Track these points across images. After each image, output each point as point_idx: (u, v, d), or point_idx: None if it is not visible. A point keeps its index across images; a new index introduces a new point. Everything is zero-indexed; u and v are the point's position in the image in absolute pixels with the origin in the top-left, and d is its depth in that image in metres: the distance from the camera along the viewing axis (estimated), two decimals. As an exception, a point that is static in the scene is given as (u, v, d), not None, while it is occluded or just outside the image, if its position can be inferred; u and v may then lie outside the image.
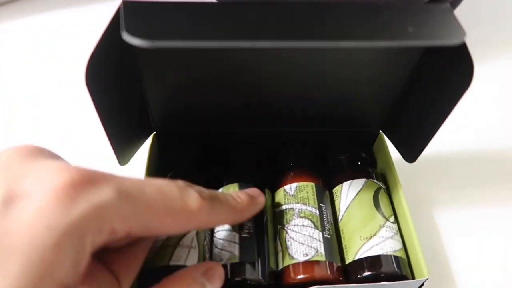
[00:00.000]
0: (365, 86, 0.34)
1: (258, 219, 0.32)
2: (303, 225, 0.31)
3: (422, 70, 0.31)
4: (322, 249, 0.30)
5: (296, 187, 0.33)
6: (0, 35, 0.56)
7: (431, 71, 0.31)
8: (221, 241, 0.30)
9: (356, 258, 0.30)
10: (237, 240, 0.30)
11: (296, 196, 0.33)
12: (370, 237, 0.30)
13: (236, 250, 0.29)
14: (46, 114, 0.47)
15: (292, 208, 0.32)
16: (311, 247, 0.30)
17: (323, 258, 0.29)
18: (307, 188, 0.33)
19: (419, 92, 0.32)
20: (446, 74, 0.29)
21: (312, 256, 0.29)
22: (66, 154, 0.45)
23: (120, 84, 0.30)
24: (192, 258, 0.29)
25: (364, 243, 0.30)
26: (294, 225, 0.31)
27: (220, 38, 0.22)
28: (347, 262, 0.31)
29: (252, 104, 0.35)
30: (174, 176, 0.33)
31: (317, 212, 0.32)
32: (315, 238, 0.30)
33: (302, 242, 0.30)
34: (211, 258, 0.30)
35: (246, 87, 0.33)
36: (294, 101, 0.35)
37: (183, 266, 0.28)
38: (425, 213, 0.39)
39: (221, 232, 0.31)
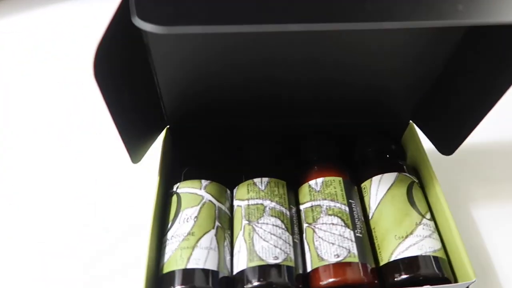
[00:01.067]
0: (396, 72, 0.31)
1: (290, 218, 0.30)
2: (332, 223, 0.28)
3: (463, 55, 0.28)
4: (354, 249, 0.27)
5: (322, 182, 0.31)
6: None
7: (474, 56, 0.28)
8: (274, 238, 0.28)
9: (392, 259, 0.27)
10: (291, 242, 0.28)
11: (322, 191, 0.30)
12: (406, 236, 0.28)
13: (291, 252, 0.27)
14: (51, 114, 0.45)
15: (319, 205, 0.29)
16: (343, 247, 0.27)
17: (356, 259, 0.26)
18: (334, 183, 0.30)
19: (459, 79, 0.29)
20: (493, 58, 0.26)
21: (344, 257, 0.26)
22: (74, 155, 0.43)
23: (131, 75, 0.27)
24: (211, 261, 0.27)
25: (400, 243, 0.27)
26: (323, 224, 0.28)
27: (242, 21, 0.19)
28: (381, 263, 0.28)
29: (271, 94, 0.32)
30: (188, 173, 0.31)
31: (347, 209, 0.29)
32: (346, 238, 0.27)
33: (332, 242, 0.27)
34: (231, 260, 0.28)
35: (265, 76, 0.30)
36: (317, 90, 0.32)
37: (202, 270, 0.26)
38: (461, 210, 0.36)
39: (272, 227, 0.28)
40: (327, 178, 0.31)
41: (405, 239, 0.27)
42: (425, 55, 0.29)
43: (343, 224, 0.28)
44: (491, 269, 0.33)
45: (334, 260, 0.26)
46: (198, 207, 0.29)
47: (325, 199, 0.30)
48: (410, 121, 0.35)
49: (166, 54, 0.28)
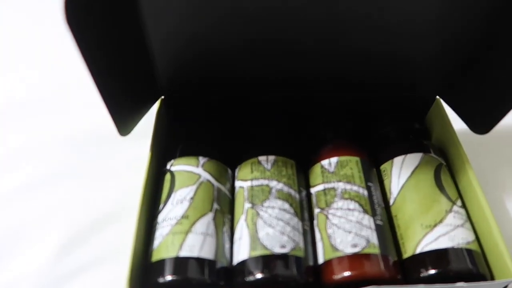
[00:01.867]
0: (423, 38, 0.26)
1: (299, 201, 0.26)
2: (349, 209, 0.24)
3: (505, 21, 0.24)
4: (375, 239, 0.23)
5: (337, 162, 0.27)
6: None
7: None
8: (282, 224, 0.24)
9: (417, 251, 0.23)
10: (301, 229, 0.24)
11: (337, 173, 0.26)
12: (435, 225, 0.24)
13: (301, 241, 0.24)
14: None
15: (333, 188, 0.25)
16: (361, 236, 0.23)
17: (376, 250, 0.23)
18: (351, 163, 0.26)
19: (500, 47, 0.25)
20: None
21: (363, 248, 0.23)
22: (52, 120, 0.37)
23: (116, 30, 0.23)
24: (207, 248, 0.23)
25: (427, 233, 0.23)
26: (337, 209, 0.24)
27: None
28: (404, 256, 0.24)
29: (279, 63, 0.28)
30: (184, 149, 0.28)
31: (365, 192, 0.25)
32: (365, 225, 0.24)
33: (349, 229, 0.23)
34: (231, 248, 0.25)
35: (273, 41, 0.26)
36: (331, 58, 0.28)
37: (196, 259, 0.22)
38: (494, 197, 0.32)
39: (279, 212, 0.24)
40: (343, 158, 0.27)
41: (433, 228, 0.24)
42: (459, 18, 0.25)
43: (361, 210, 0.24)
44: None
45: (350, 250, 0.23)
46: (194, 186, 0.25)
47: (340, 181, 0.26)
48: (437, 96, 0.31)
49: (159, 9, 0.24)
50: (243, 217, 0.25)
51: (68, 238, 0.30)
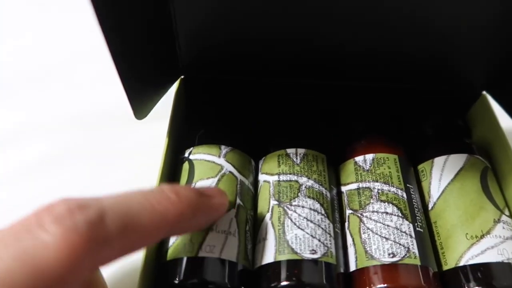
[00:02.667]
0: (472, 25, 0.23)
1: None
2: (387, 212, 0.22)
3: None
4: (415, 248, 0.21)
5: (373, 159, 0.24)
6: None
7: None
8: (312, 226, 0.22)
9: (461, 264, 0.21)
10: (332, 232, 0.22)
11: (373, 171, 0.24)
12: (482, 236, 0.21)
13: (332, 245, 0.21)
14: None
15: (369, 188, 0.23)
16: (400, 244, 0.21)
17: (417, 261, 0.20)
18: (389, 161, 0.24)
19: None
20: None
21: (402, 258, 0.20)
22: (62, 99, 0.35)
23: (139, 4, 0.21)
24: (229, 249, 0.20)
25: (473, 244, 0.21)
26: (373, 212, 0.22)
27: None
28: (444, 267, 0.22)
29: (311, 47, 0.25)
30: (205, 136, 0.25)
31: (404, 195, 0.23)
32: (405, 232, 0.21)
33: (387, 236, 0.21)
34: (253, 249, 0.22)
35: (302, 20, 0.23)
36: (364, 45, 0.25)
37: (217, 260, 0.20)
38: None
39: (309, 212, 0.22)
40: (379, 155, 0.24)
41: (480, 240, 0.21)
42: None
43: (400, 214, 0.22)
44: None
45: (388, 260, 0.20)
46: (216, 178, 0.23)
47: (377, 181, 0.23)
48: (484, 92, 0.28)
49: None
50: (268, 215, 0.22)
51: None
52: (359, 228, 0.22)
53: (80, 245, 0.12)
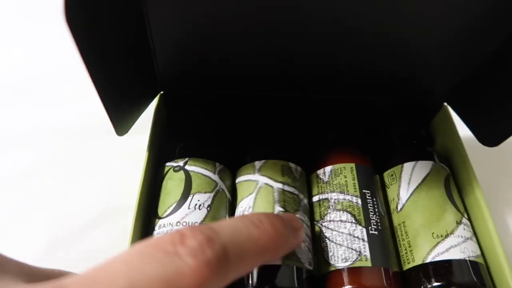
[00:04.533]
0: (439, 43, 0.25)
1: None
2: (341, 220, 0.24)
3: None
4: (367, 251, 0.22)
5: (331, 171, 0.26)
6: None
7: None
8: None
9: (428, 260, 0.23)
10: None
11: (331, 182, 0.25)
12: (447, 235, 0.23)
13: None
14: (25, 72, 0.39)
15: (327, 199, 0.25)
16: (352, 249, 0.23)
17: (368, 263, 0.22)
18: (345, 171, 0.25)
19: None
20: None
21: (354, 261, 0.22)
22: (46, 118, 0.34)
23: (118, 23, 0.22)
24: None
25: (439, 242, 0.23)
26: (330, 221, 0.24)
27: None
28: (411, 264, 0.23)
29: (285, 61, 0.27)
30: (184, 149, 0.27)
31: (359, 201, 0.24)
32: (357, 237, 0.23)
33: (340, 242, 0.23)
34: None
35: (278, 38, 0.25)
36: (336, 60, 0.27)
37: None
38: (495, 209, 0.30)
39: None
40: (337, 166, 0.26)
41: (445, 239, 0.23)
42: (479, 26, 0.23)
43: (353, 221, 0.23)
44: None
45: (341, 265, 0.22)
46: (212, 194, 0.25)
47: (334, 191, 0.25)
48: (445, 103, 0.30)
49: (161, 3, 0.23)
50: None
51: (55, 236, 0.29)
52: (319, 237, 0.24)
53: (209, 278, 0.14)
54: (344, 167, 0.26)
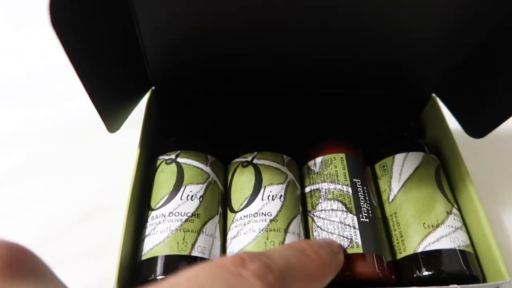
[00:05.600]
0: (426, 35, 0.25)
1: None
2: (332, 209, 0.24)
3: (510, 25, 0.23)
4: (358, 238, 0.23)
5: (321, 162, 0.26)
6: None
7: None
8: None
9: (419, 250, 0.23)
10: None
11: (321, 173, 0.25)
12: (437, 226, 0.23)
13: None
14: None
15: (318, 189, 0.25)
16: (343, 236, 0.23)
17: (359, 250, 0.22)
18: (335, 161, 0.26)
19: (505, 51, 0.24)
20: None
21: (346, 248, 0.22)
22: (36, 116, 0.34)
23: (104, 19, 0.22)
24: (215, 251, 0.23)
25: (430, 232, 0.23)
26: (322, 210, 0.24)
27: None
28: (403, 254, 0.23)
29: (276, 56, 0.27)
30: (176, 142, 0.27)
31: (350, 190, 0.24)
32: (348, 225, 0.23)
33: (332, 231, 0.23)
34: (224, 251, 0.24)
35: (269, 33, 0.25)
36: (327, 54, 0.27)
37: (205, 260, 0.22)
38: (485, 199, 0.31)
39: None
40: (327, 156, 0.26)
41: (435, 229, 0.23)
42: (466, 18, 0.23)
43: (344, 209, 0.24)
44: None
45: None
46: (204, 185, 0.25)
47: (324, 181, 0.25)
48: (433, 94, 0.30)
49: None
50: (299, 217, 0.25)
51: (48, 232, 0.29)
52: (311, 227, 0.24)
53: None
54: (334, 157, 0.26)
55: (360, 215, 0.24)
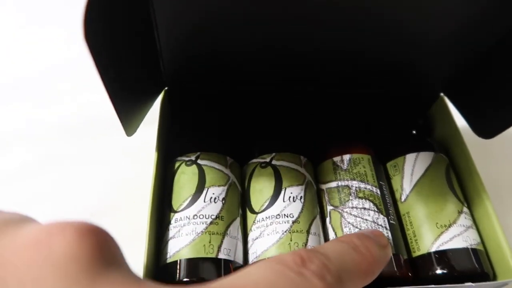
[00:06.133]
0: (439, 34, 0.25)
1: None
2: (364, 208, 0.24)
3: None
4: (390, 239, 0.23)
5: (349, 159, 0.26)
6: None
7: None
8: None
9: (432, 250, 0.24)
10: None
11: (350, 171, 0.26)
12: (450, 225, 0.24)
13: None
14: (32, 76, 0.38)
15: (347, 186, 0.25)
16: None
17: (392, 251, 0.23)
18: (363, 161, 0.26)
19: None
20: None
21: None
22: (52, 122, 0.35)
23: (129, 31, 0.22)
24: (239, 253, 0.23)
25: (443, 232, 0.24)
26: (353, 208, 0.24)
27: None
28: (416, 253, 0.24)
29: (289, 56, 0.27)
30: (195, 143, 0.26)
31: (378, 192, 0.25)
32: (381, 225, 0.23)
33: (365, 229, 0.24)
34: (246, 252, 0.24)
35: (283, 32, 0.25)
36: (337, 53, 0.27)
37: (231, 262, 0.22)
38: (495, 198, 0.32)
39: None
40: (355, 156, 0.26)
41: (448, 228, 0.24)
42: (481, 19, 0.24)
43: (376, 209, 0.24)
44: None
45: None
46: (226, 187, 0.24)
47: (354, 179, 0.25)
48: (441, 93, 0.31)
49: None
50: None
51: None
52: (341, 223, 0.24)
53: None
54: (362, 158, 0.26)
55: (389, 217, 0.25)
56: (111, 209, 0.29)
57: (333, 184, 0.26)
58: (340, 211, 0.25)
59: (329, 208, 0.25)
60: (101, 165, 0.32)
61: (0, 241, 0.12)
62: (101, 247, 0.12)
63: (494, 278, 0.24)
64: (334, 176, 0.26)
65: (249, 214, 0.25)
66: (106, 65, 0.19)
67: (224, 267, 0.22)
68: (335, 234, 0.24)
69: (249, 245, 0.24)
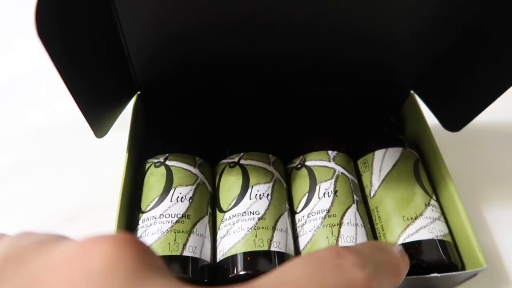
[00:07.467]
0: (403, 33, 0.26)
1: None
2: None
3: (485, 21, 0.24)
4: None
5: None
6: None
7: (498, 22, 0.23)
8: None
9: (400, 242, 0.24)
10: None
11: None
12: (416, 218, 0.24)
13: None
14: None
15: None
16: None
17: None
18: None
19: (478, 47, 0.25)
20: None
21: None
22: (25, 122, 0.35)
23: (89, 28, 0.22)
24: (205, 251, 0.23)
25: (409, 225, 0.24)
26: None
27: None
28: None
29: (259, 57, 0.27)
30: (164, 145, 0.26)
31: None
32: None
33: None
34: (215, 251, 0.24)
35: (252, 35, 0.25)
36: (308, 54, 0.27)
37: (197, 260, 0.22)
38: (463, 192, 0.33)
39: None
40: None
41: (414, 221, 0.24)
42: (440, 16, 0.25)
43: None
44: (498, 258, 0.29)
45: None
46: (193, 187, 0.25)
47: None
48: (411, 91, 0.31)
49: (134, 4, 0.22)
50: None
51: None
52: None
53: None
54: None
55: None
56: (84, 212, 0.30)
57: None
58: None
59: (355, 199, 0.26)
60: (74, 169, 0.32)
61: (36, 261, 0.12)
62: (139, 257, 0.12)
63: (463, 269, 0.24)
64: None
65: (218, 213, 0.25)
66: (64, 65, 0.19)
67: (192, 265, 0.22)
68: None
69: (217, 243, 0.24)
